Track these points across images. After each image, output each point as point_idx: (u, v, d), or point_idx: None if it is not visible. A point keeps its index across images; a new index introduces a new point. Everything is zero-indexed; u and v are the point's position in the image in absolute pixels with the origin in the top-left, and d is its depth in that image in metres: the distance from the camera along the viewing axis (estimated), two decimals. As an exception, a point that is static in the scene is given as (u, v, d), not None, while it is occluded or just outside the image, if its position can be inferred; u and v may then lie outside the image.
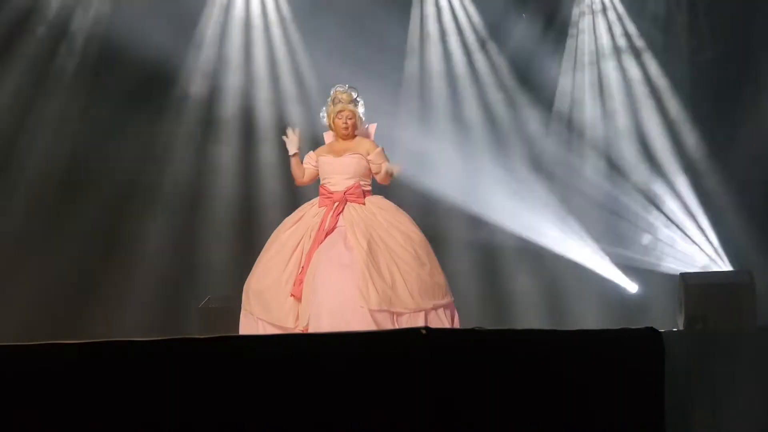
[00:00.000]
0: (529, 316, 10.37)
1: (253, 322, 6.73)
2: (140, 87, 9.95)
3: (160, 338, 4.54)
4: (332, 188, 6.90)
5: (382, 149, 6.95)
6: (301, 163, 7.01)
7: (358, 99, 6.97)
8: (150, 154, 10.09)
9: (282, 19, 10.56)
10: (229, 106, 10.39)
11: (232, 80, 10.40)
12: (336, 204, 6.83)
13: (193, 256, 10.10)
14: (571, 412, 4.69)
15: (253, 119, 10.39)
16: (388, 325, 6.51)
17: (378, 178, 6.97)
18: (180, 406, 4.39)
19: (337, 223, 6.80)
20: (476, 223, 10.48)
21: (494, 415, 4.45)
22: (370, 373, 4.30)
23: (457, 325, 6.78)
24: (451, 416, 4.28)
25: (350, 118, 6.93)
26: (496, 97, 10.78)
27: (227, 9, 10.52)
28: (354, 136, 6.98)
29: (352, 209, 6.83)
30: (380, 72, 9.97)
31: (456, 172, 10.56)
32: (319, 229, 6.78)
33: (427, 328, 4.34)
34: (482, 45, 10.74)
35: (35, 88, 9.79)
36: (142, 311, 9.73)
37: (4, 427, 4.43)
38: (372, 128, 7.10)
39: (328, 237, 6.77)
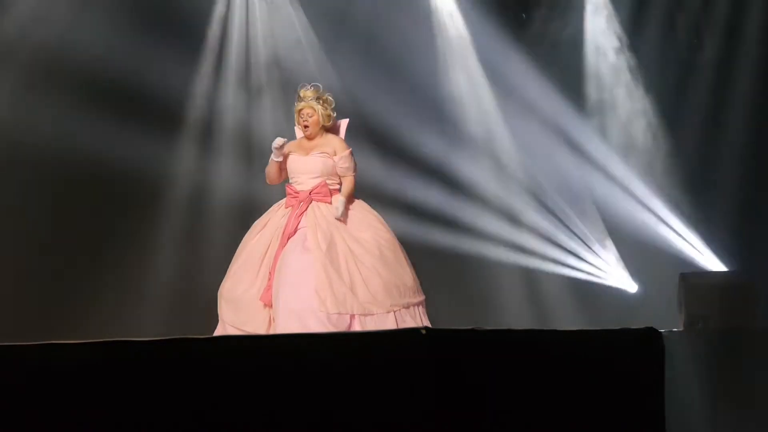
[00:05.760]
0: (528, 316, 10.37)
1: (228, 332, 6.71)
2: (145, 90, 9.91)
3: (160, 338, 4.54)
4: (298, 187, 6.87)
5: (350, 152, 6.89)
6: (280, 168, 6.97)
7: (322, 96, 6.93)
8: (154, 153, 10.04)
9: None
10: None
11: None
12: (300, 204, 6.80)
13: (195, 255, 10.07)
14: (571, 412, 4.69)
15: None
16: (344, 328, 6.47)
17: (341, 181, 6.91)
18: (180, 406, 4.40)
19: (299, 224, 6.76)
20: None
21: (494, 414, 4.45)
22: (369, 373, 4.30)
23: (427, 324, 6.70)
24: (451, 416, 4.28)
25: (311, 116, 6.88)
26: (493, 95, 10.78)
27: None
28: (321, 134, 6.94)
29: (316, 208, 6.78)
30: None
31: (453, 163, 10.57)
32: (284, 232, 6.76)
33: (427, 328, 4.34)
34: None
35: (34, 87, 9.76)
36: (142, 311, 9.72)
37: (4, 427, 4.44)
38: (343, 123, 7.05)
39: (290, 240, 6.73)
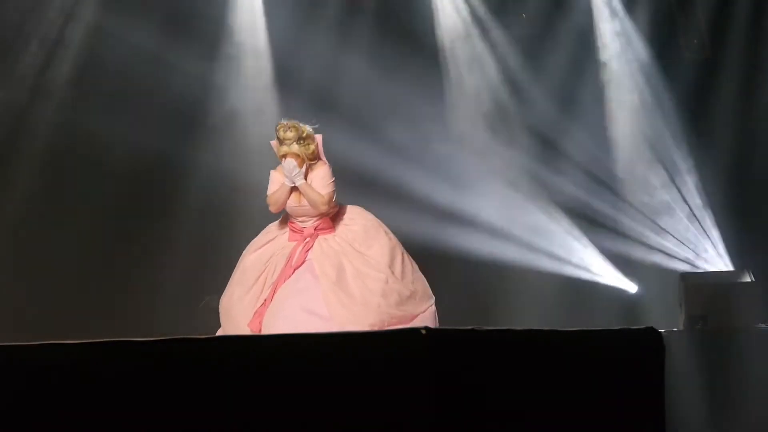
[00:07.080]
0: (528, 316, 10.37)
1: None
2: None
3: (160, 338, 4.54)
4: (301, 225, 6.78)
5: (329, 170, 6.70)
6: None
7: (302, 134, 6.66)
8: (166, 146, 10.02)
9: None
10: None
11: None
12: (306, 240, 6.73)
13: (199, 255, 10.05)
14: (571, 412, 4.69)
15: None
16: None
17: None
18: (180, 406, 4.40)
19: (306, 257, 6.69)
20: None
21: (494, 414, 4.45)
22: (369, 373, 4.30)
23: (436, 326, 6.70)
24: (451, 416, 4.28)
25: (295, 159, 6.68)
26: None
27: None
28: (308, 170, 6.71)
29: (322, 241, 6.70)
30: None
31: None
32: (286, 264, 6.68)
33: (426, 328, 4.34)
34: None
35: (41, 78, 9.76)
36: (145, 311, 9.71)
37: (4, 427, 4.44)
38: (318, 139, 6.77)
39: (296, 271, 6.67)
